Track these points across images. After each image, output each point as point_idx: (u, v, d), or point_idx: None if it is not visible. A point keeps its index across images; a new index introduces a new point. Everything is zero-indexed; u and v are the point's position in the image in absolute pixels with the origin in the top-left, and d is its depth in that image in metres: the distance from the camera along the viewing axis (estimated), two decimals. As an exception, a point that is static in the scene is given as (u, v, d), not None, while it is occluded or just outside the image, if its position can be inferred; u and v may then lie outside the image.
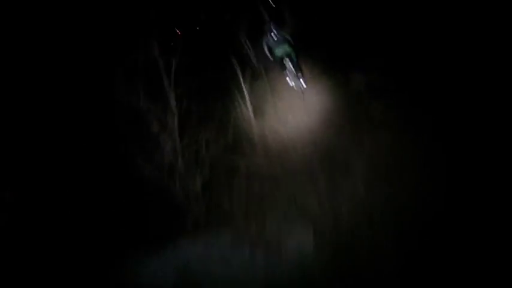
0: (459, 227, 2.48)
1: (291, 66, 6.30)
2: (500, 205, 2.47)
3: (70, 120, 6.78)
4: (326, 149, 4.67)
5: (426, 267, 2.32)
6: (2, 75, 7.23)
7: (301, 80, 6.36)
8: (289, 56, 6.25)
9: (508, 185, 2.59)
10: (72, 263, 4.68)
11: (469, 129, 3.43)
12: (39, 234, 5.21)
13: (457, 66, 4.59)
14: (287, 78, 6.56)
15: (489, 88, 3.85)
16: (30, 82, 7.57)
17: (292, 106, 6.31)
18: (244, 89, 8.16)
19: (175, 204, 5.05)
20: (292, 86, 6.53)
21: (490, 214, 2.43)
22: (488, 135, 3.19)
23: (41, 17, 7.84)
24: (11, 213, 5.47)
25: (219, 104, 6.93)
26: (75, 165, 6.13)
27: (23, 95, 7.37)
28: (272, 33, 6.25)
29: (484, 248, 2.25)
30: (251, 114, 6.48)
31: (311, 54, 7.40)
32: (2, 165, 6.05)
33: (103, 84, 7.28)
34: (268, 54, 6.44)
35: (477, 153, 3.10)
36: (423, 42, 5.45)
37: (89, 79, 7.72)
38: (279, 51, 6.24)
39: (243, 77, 8.58)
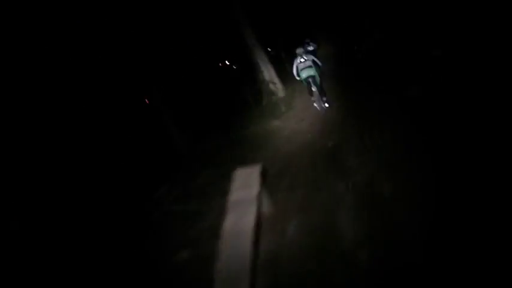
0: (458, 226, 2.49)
1: (316, 88, 6.80)
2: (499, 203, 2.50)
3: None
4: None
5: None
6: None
7: (324, 101, 6.90)
8: (313, 79, 6.69)
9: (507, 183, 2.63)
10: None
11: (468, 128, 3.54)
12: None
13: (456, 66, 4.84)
14: (312, 99, 7.13)
15: (488, 87, 4.01)
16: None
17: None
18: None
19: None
20: (316, 106, 7.10)
21: (489, 213, 2.47)
22: (487, 134, 3.26)
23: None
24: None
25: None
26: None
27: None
28: (303, 56, 6.71)
29: (483, 247, 2.25)
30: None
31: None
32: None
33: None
34: (296, 75, 6.90)
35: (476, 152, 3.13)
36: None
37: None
38: (305, 73, 6.67)
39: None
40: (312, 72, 6.65)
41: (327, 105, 6.90)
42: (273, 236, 3.26)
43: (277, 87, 10.27)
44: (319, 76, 6.83)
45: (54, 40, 8.70)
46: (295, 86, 9.64)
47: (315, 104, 7.10)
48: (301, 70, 6.72)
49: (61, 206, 6.55)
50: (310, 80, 6.69)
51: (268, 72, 10.24)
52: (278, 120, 8.39)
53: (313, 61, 6.75)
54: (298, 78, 6.91)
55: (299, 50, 6.86)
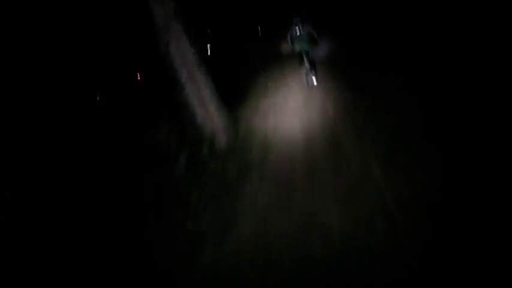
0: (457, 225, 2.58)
1: (307, 62, 6.59)
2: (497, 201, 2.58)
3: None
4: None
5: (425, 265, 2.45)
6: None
7: (313, 77, 6.69)
8: (306, 52, 6.52)
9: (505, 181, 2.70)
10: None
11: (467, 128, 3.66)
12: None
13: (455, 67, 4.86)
14: (302, 73, 6.91)
15: (485, 86, 4.10)
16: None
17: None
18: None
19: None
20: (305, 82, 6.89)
21: (488, 211, 2.53)
22: (485, 133, 3.38)
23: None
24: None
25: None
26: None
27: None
28: (297, 27, 6.49)
29: (482, 246, 2.31)
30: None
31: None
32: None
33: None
34: (290, 46, 6.72)
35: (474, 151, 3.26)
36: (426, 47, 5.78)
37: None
38: (298, 46, 6.52)
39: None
40: (305, 45, 6.45)
41: (315, 82, 6.70)
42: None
43: (214, 121, 5.53)
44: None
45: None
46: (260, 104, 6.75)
47: (304, 79, 6.88)
48: (295, 41, 6.53)
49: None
50: (303, 53, 6.48)
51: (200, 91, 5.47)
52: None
53: (309, 33, 6.52)
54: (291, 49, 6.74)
55: (295, 20, 6.61)
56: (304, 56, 6.53)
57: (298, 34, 6.50)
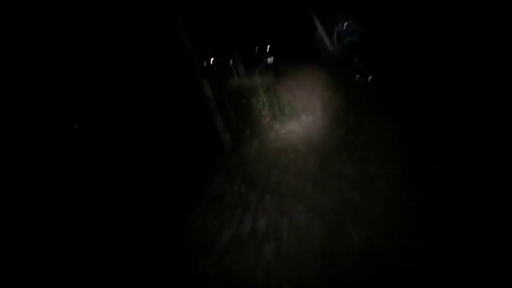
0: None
1: (356, 57, 6.20)
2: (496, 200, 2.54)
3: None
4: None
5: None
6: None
7: (365, 73, 6.25)
8: (356, 46, 6.15)
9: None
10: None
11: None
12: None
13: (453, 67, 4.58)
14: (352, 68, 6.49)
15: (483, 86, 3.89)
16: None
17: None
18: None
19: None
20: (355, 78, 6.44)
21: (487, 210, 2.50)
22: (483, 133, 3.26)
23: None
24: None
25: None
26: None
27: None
28: (344, 23, 6.17)
29: (480, 244, 2.29)
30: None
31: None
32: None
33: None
34: (336, 41, 6.39)
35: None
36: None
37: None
38: (348, 39, 6.16)
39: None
40: (355, 38, 6.06)
41: (369, 79, 6.21)
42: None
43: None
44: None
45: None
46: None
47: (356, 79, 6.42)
48: (343, 36, 6.19)
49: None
50: (352, 47, 6.10)
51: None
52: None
53: (357, 28, 6.14)
54: (338, 47, 6.42)
55: (339, 16, 6.30)
56: (354, 50, 6.13)
57: (345, 28, 6.14)
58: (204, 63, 7.13)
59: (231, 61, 10.01)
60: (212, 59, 9.81)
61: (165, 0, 6.74)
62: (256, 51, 10.28)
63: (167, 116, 7.23)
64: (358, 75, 6.37)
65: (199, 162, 5.89)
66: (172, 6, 6.69)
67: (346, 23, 6.16)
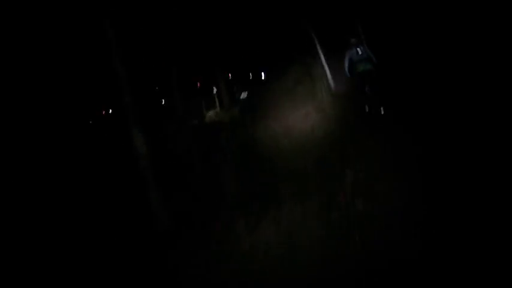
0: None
1: (371, 88, 5.57)
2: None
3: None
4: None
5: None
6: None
7: (380, 105, 5.59)
8: (371, 75, 5.54)
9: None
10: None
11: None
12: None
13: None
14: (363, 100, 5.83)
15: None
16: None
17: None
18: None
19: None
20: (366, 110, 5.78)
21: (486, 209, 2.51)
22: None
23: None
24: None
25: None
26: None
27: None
28: (358, 48, 5.61)
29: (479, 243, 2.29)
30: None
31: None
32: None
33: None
34: (347, 71, 5.76)
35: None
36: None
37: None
38: (362, 67, 5.54)
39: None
40: (369, 66, 5.47)
41: (382, 110, 5.55)
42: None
43: None
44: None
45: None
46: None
47: (367, 110, 5.76)
48: (356, 63, 5.55)
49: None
50: (366, 75, 5.47)
51: None
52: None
53: (370, 55, 5.59)
54: (349, 75, 5.76)
55: (353, 40, 5.73)
56: (367, 78, 5.51)
57: (359, 55, 5.56)
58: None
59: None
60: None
61: None
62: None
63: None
64: (368, 107, 5.71)
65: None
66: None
67: (360, 48, 5.60)
